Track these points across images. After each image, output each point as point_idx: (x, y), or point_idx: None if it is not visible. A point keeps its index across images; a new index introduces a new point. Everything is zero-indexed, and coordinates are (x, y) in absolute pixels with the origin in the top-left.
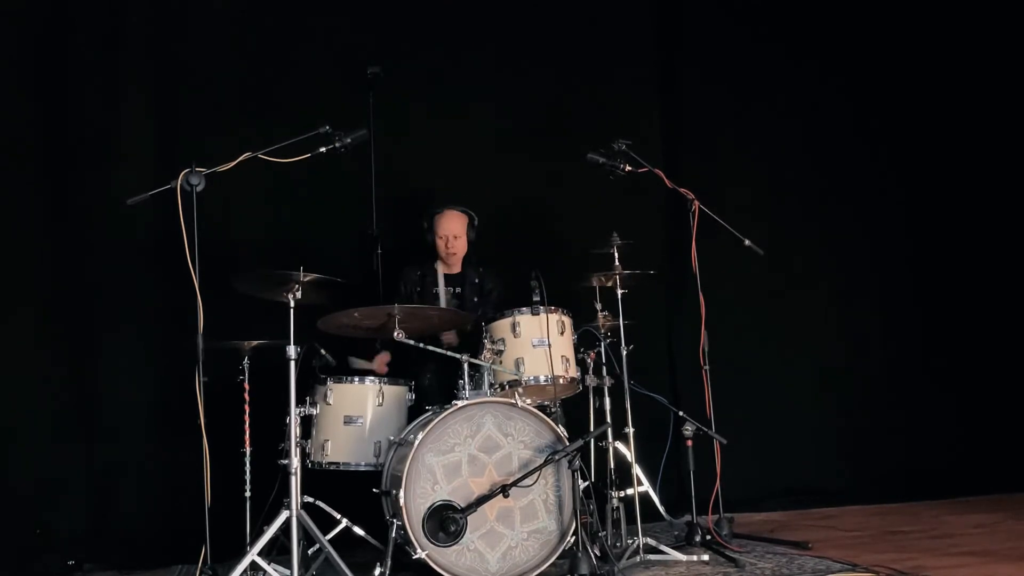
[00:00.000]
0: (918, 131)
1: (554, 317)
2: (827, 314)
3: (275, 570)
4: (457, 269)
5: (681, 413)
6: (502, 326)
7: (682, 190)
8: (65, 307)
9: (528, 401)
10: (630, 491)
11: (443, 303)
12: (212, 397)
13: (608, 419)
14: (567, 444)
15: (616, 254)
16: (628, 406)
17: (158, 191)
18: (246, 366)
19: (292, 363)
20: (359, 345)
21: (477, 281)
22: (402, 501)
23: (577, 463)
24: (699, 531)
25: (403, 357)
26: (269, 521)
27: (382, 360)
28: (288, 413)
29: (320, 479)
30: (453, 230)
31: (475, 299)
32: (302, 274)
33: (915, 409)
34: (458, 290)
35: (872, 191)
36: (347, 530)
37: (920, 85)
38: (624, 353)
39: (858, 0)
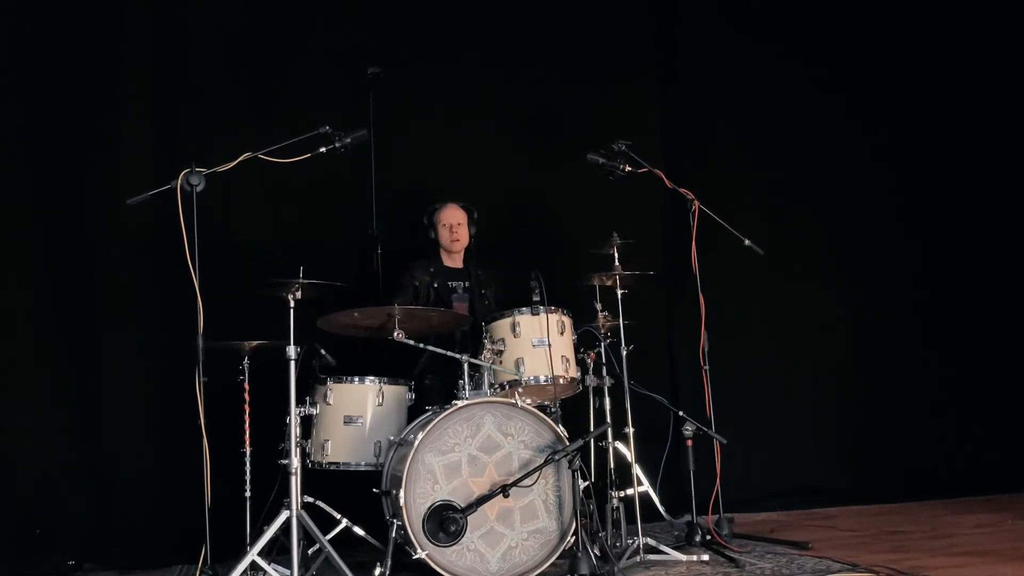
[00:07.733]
0: (920, 129)
1: (554, 317)
2: (827, 314)
3: (275, 570)
4: (460, 264)
5: (681, 413)
6: (502, 326)
7: (682, 190)
8: (65, 307)
9: (528, 401)
10: (630, 491)
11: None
12: (212, 397)
13: (608, 419)
14: (567, 444)
15: (616, 254)
16: (628, 406)
17: (158, 191)
18: (246, 366)
19: (292, 363)
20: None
21: (480, 274)
22: (402, 501)
23: (577, 463)
24: (699, 531)
25: (403, 355)
26: (269, 521)
27: None
28: (288, 413)
29: (320, 479)
30: (456, 218)
31: (481, 292)
32: (300, 278)
33: (915, 409)
34: (466, 284)
35: (873, 191)
36: (347, 530)
37: (920, 82)
38: (624, 353)
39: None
